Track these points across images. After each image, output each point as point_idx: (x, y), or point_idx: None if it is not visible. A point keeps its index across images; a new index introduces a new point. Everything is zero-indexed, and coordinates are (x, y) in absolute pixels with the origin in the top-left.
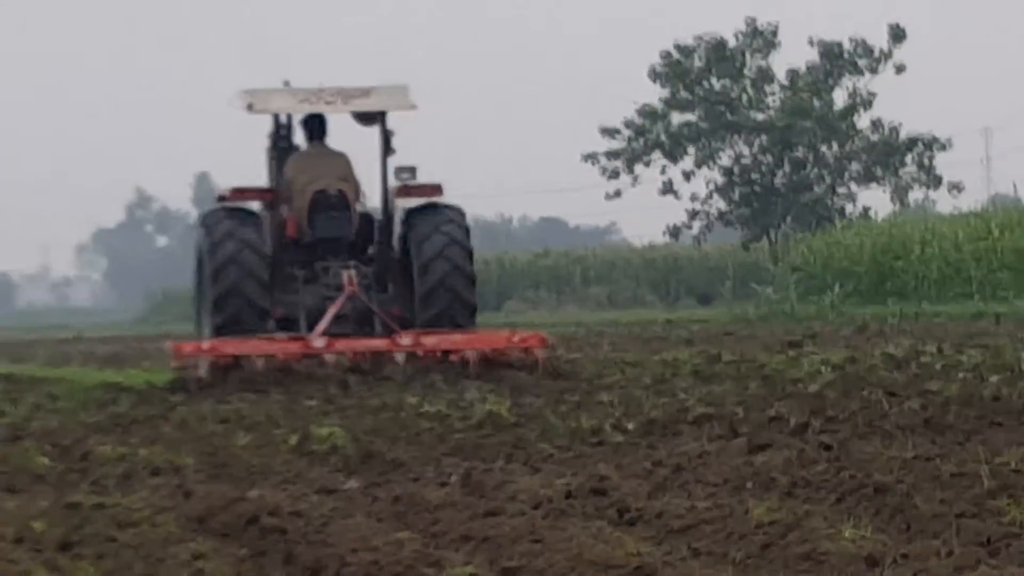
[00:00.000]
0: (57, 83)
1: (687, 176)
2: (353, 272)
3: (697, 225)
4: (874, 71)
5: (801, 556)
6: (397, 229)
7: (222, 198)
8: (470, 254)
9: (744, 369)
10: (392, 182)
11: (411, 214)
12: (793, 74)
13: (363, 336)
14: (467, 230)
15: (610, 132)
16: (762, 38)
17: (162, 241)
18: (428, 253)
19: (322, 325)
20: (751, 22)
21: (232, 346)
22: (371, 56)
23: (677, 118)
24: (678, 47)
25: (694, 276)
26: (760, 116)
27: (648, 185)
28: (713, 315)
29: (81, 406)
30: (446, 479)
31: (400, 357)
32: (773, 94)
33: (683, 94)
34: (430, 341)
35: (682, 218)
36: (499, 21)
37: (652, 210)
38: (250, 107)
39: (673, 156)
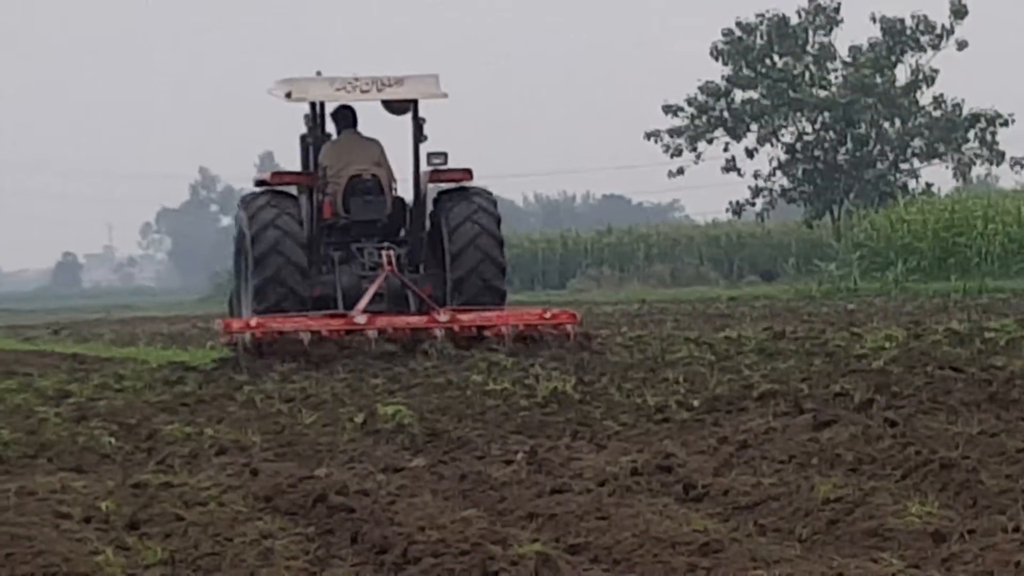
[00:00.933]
0: (122, 64)
1: (750, 153)
2: (391, 252)
3: (760, 202)
4: (936, 47)
5: (867, 532)
6: (428, 212)
7: (262, 182)
8: (500, 243)
9: (808, 346)
10: (424, 167)
11: (442, 197)
12: (855, 51)
13: (397, 313)
14: (498, 219)
15: (673, 109)
16: (824, 15)
17: (226, 221)
18: (460, 242)
19: (363, 302)
20: None
21: (278, 323)
22: (423, 31)
23: (740, 95)
24: (740, 24)
25: (757, 253)
26: (822, 93)
27: (711, 162)
28: (776, 292)
29: (147, 386)
30: (512, 457)
31: (439, 333)
32: (835, 71)
33: (745, 71)
34: (466, 318)
35: (745, 195)
36: (559, 5)
37: (715, 187)
38: (289, 95)
39: (736, 133)
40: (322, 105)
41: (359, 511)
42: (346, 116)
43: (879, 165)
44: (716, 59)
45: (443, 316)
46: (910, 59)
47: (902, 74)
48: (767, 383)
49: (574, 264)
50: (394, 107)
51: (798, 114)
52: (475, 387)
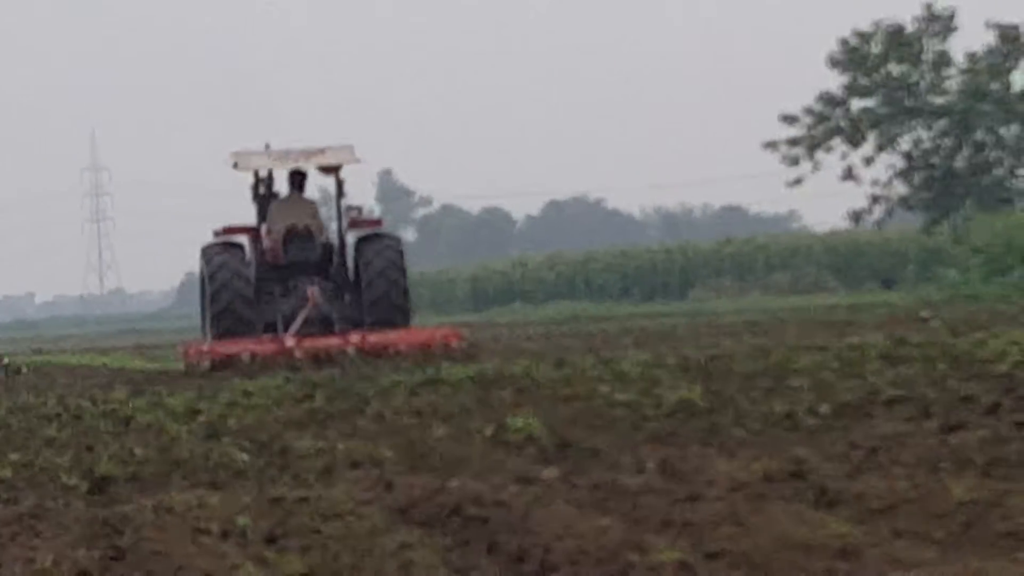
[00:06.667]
0: (245, 86)
1: (867, 161)
2: (316, 288)
3: (878, 210)
4: None
5: (1004, 534)
6: (350, 254)
7: (217, 234)
8: (404, 272)
9: (932, 351)
10: (344, 218)
11: (360, 242)
12: (971, 57)
13: (325, 335)
14: (402, 253)
15: (790, 119)
16: (939, 22)
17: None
18: (372, 273)
19: (293, 328)
20: (928, 7)
21: (225, 347)
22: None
23: (856, 104)
24: (856, 33)
25: (876, 260)
26: (939, 100)
27: (828, 171)
28: (896, 299)
29: (275, 402)
30: (643, 466)
31: (351, 351)
32: (951, 78)
33: (862, 80)
34: (373, 339)
35: (863, 203)
36: (674, 16)
37: (832, 196)
38: (235, 165)
39: (853, 142)
40: (269, 171)
41: (494, 521)
42: (298, 178)
43: (997, 171)
44: (832, 68)
45: (354, 337)
46: None
47: (1019, 79)
48: (893, 389)
49: (694, 275)
50: (324, 170)
51: (915, 121)
52: (602, 398)
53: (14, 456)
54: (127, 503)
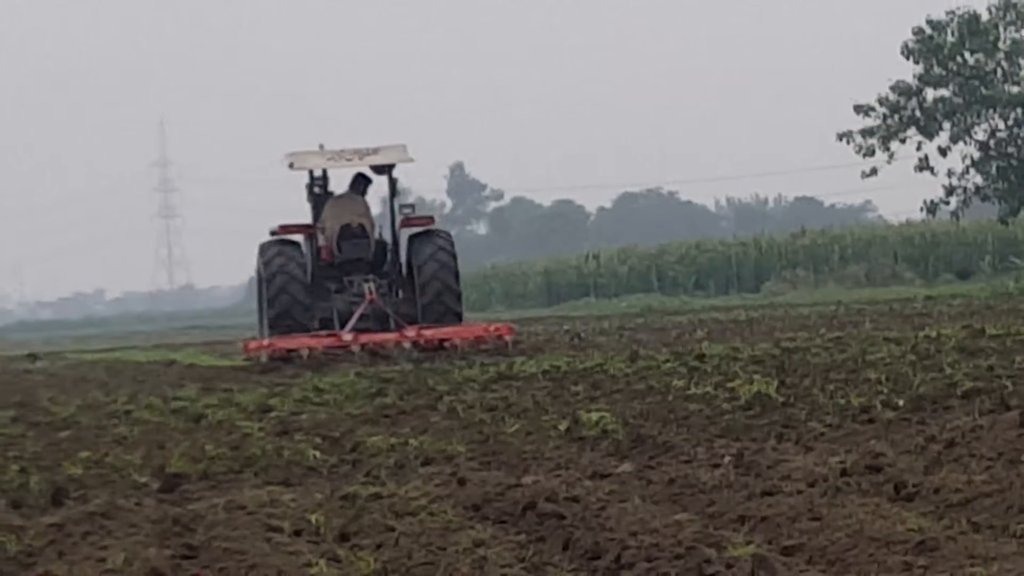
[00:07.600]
0: (312, 71)
1: (943, 152)
2: (372, 284)
3: (954, 200)
4: None
5: None
6: (404, 250)
7: (273, 232)
8: (456, 274)
9: (1009, 343)
10: (398, 215)
11: (413, 240)
12: None
13: (381, 331)
14: (454, 254)
15: (864, 110)
16: (1015, 11)
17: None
18: (425, 275)
19: (350, 324)
20: None
21: (285, 343)
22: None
23: (931, 94)
24: (931, 23)
25: (952, 252)
26: (1015, 89)
27: (903, 162)
28: (973, 290)
29: (347, 398)
30: (719, 460)
31: (407, 345)
32: None
33: (937, 70)
34: (428, 333)
35: (939, 194)
36: (745, 7)
37: (907, 187)
38: (291, 165)
39: (928, 132)
40: (324, 170)
41: (569, 517)
42: (361, 181)
43: None
44: (907, 58)
45: (410, 332)
46: None
47: None
48: (971, 381)
49: (768, 267)
50: (377, 170)
51: (991, 111)
52: (676, 392)
53: (85, 454)
54: (199, 501)
